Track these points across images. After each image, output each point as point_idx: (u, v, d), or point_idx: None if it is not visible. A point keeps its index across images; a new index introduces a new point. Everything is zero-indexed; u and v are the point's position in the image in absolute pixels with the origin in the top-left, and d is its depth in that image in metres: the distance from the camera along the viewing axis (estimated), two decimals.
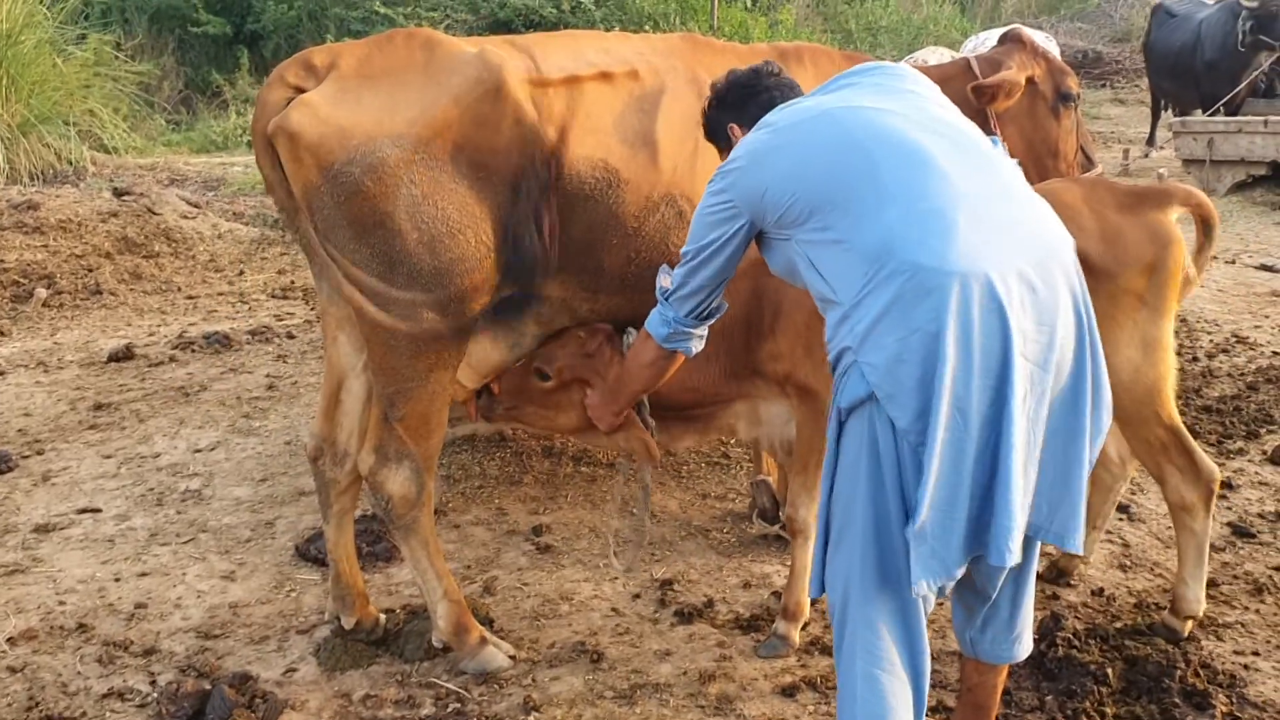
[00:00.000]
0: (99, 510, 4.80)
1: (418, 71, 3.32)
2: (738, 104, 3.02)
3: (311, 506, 4.74)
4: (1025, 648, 2.76)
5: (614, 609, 3.89)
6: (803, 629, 3.70)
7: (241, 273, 9.25)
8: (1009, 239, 2.36)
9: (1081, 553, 2.82)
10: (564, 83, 3.41)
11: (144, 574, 4.23)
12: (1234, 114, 12.28)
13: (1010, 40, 4.44)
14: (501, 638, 3.65)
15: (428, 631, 3.61)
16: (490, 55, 3.30)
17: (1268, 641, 3.60)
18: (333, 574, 3.67)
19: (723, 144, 3.09)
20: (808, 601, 3.63)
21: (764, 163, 2.59)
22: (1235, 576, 4.04)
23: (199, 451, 5.45)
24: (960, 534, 2.33)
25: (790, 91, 2.98)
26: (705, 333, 2.97)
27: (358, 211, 3.16)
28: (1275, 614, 3.77)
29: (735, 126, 2.99)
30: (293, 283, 8.94)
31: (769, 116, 2.72)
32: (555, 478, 5.03)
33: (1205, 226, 3.56)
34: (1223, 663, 3.45)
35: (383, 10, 18.80)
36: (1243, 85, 12.31)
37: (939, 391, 2.25)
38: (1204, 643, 3.57)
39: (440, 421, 3.45)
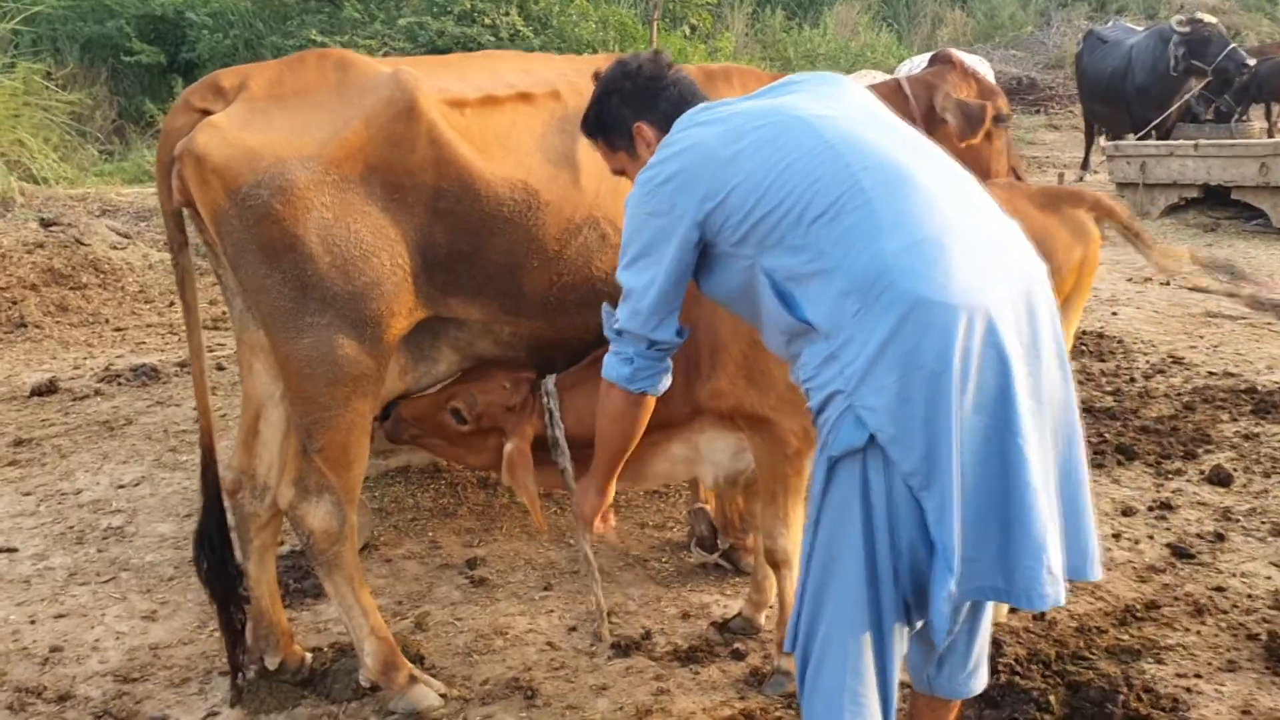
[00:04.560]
0: (15, 550, 4.61)
1: (329, 92, 3.22)
2: (643, 99, 2.71)
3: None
4: (981, 682, 2.66)
5: (549, 643, 3.77)
6: (740, 660, 3.61)
7: (172, 304, 9.03)
8: (998, 267, 2.26)
9: (1101, 578, 2.67)
10: (481, 103, 3.33)
11: (61, 615, 4.05)
12: (1165, 138, 12.49)
13: (940, 62, 4.43)
14: (433, 675, 3.52)
15: (355, 670, 3.47)
16: (403, 75, 3.21)
17: (1209, 664, 3.56)
18: (255, 612, 3.52)
19: (618, 143, 2.77)
20: None
21: (721, 161, 2.38)
22: (1176, 598, 4.00)
23: (122, 487, 5.26)
24: (985, 578, 2.24)
25: (692, 91, 2.76)
26: (670, 365, 2.69)
27: (267, 235, 3.05)
28: (1216, 635, 3.73)
29: (644, 125, 2.69)
30: (224, 313, 8.71)
31: (705, 112, 2.54)
32: (490, 509, 4.91)
33: (1124, 229, 3.55)
34: (1165, 686, 3.40)
35: (319, 39, 18.65)
36: (1173, 110, 12.52)
37: (948, 430, 2.15)
38: (1145, 666, 3.52)
39: (361, 452, 3.33)
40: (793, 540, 3.45)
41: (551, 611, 3.99)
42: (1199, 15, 12.24)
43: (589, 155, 3.39)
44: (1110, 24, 15.60)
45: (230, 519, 3.50)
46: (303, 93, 3.21)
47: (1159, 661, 3.57)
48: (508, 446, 3.40)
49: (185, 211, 3.26)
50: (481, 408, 3.43)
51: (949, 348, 2.15)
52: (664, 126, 2.63)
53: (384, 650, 3.38)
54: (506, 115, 3.36)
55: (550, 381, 3.47)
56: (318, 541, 3.31)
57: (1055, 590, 2.25)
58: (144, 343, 8.04)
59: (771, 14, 25.84)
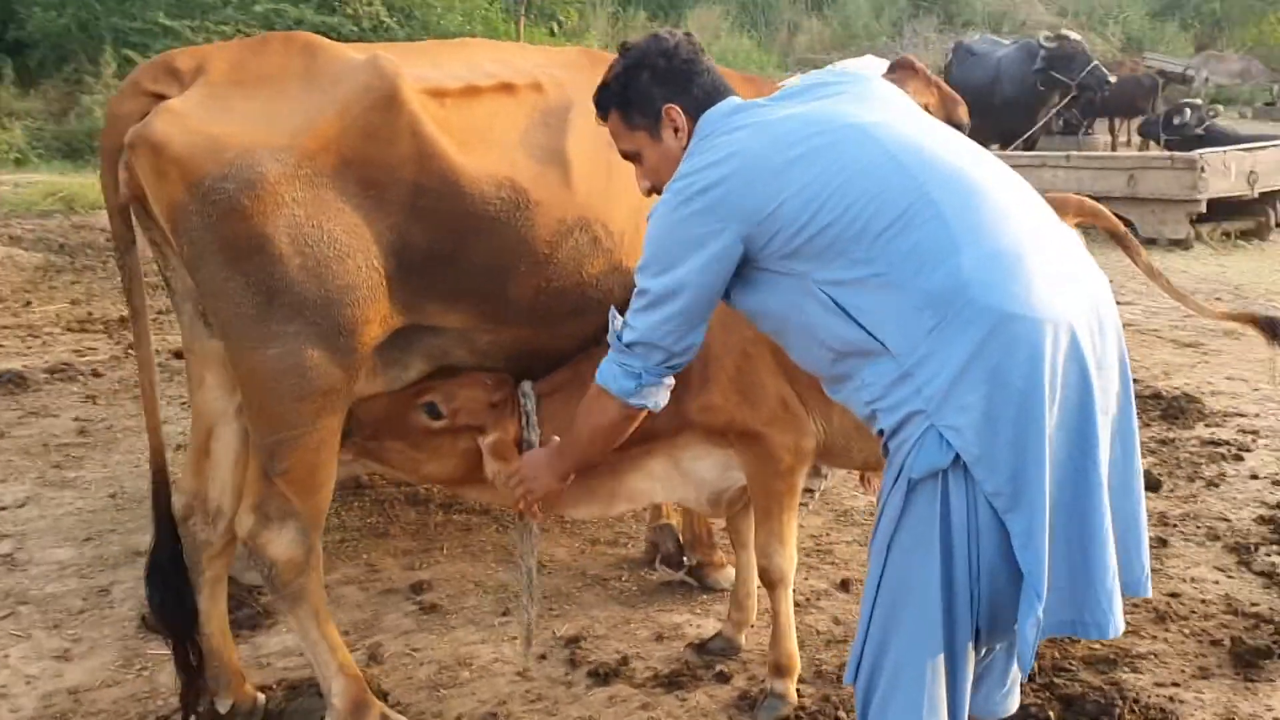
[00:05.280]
0: None
1: (298, 78, 2.93)
2: (678, 79, 2.48)
3: None
4: (1015, 702, 2.58)
5: (519, 673, 3.52)
6: (726, 683, 3.44)
7: (28, 303, 8.37)
8: (1070, 278, 2.18)
9: (1151, 595, 2.64)
10: (462, 93, 3.08)
11: None
12: (1030, 150, 12.89)
13: (903, 68, 4.35)
14: (400, 713, 3.22)
15: (317, 710, 3.16)
16: (383, 62, 2.94)
17: (1183, 671, 3.55)
18: (206, 650, 3.17)
19: (639, 121, 2.52)
20: (796, 651, 3.35)
21: (771, 172, 2.21)
22: (1136, 605, 3.99)
23: (5, 509, 4.76)
24: (1060, 610, 2.16)
25: (723, 82, 2.55)
26: (673, 381, 2.52)
27: (232, 234, 2.75)
28: (1183, 642, 3.73)
29: (675, 108, 2.47)
30: (90, 314, 8.13)
31: (742, 114, 2.37)
32: (426, 528, 4.61)
33: (1111, 232, 3.52)
34: (1149, 696, 3.37)
35: (166, 22, 17.72)
36: (1039, 122, 12.94)
37: (1039, 448, 2.05)
38: (1123, 676, 3.49)
39: (329, 474, 3.04)
40: (788, 558, 3.31)
41: (515, 638, 3.73)
42: (1065, 32, 12.68)
43: (578, 151, 3.18)
44: (979, 37, 16.09)
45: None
46: (268, 78, 2.91)
47: (1135, 670, 3.55)
48: (489, 439, 3.14)
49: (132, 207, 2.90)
50: (460, 402, 3.16)
51: (1038, 363, 2.07)
52: (694, 113, 2.46)
53: (353, 689, 3.08)
54: (488, 107, 3.11)
55: (528, 385, 3.24)
56: (281, 573, 3.00)
57: (1120, 618, 2.22)
58: (2, 345, 7.37)
59: (634, 13, 25.89)
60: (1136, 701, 3.32)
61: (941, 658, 2.17)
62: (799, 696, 3.32)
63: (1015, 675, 2.58)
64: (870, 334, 2.19)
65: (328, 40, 3.09)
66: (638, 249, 3.24)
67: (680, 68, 2.49)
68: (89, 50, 18.01)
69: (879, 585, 2.23)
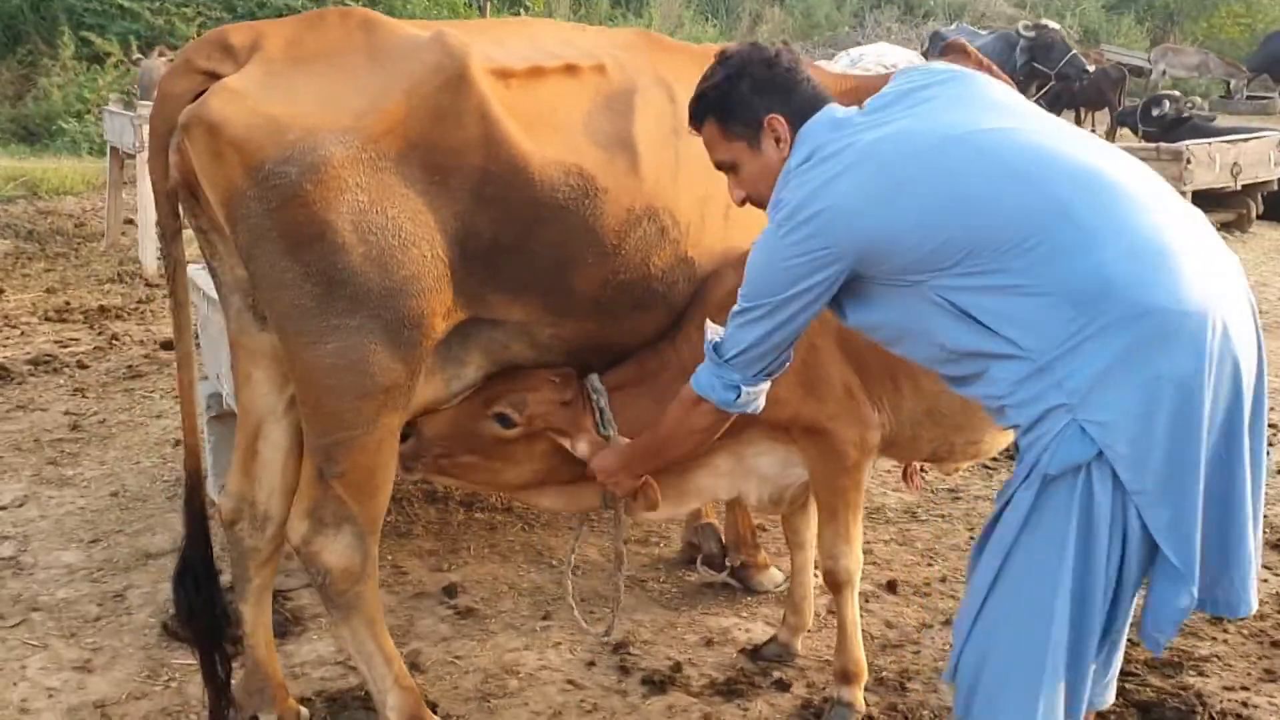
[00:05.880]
0: None
1: (360, 55, 2.76)
2: (780, 89, 2.42)
3: (167, 572, 3.94)
4: (1113, 692, 2.50)
5: (570, 681, 3.38)
6: (785, 691, 3.32)
7: (1, 291, 8.04)
8: (1213, 267, 2.12)
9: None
10: (528, 74, 2.92)
11: None
12: None
13: (955, 52, 4.23)
14: None
15: None
16: (451, 39, 2.78)
17: (1249, 674, 3.49)
18: (250, 663, 3.00)
19: (739, 131, 2.44)
20: (863, 657, 3.25)
21: (880, 198, 2.16)
22: None
23: (4, 508, 4.52)
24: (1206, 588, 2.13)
25: (821, 90, 2.48)
26: (768, 385, 2.51)
27: (293, 220, 2.58)
28: (1243, 644, 3.68)
29: (778, 119, 2.40)
30: (68, 303, 7.83)
31: (840, 134, 2.28)
32: (449, 527, 4.44)
33: None
34: (1222, 701, 3.31)
35: (124, 3, 17.29)
36: None
37: (1196, 442, 2.00)
38: (1190, 680, 3.42)
39: (389, 476, 2.87)
40: (855, 559, 3.21)
41: (559, 644, 3.59)
42: (1044, 21, 12.68)
43: (645, 138, 3.04)
44: (954, 26, 16.07)
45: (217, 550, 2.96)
46: (328, 55, 2.73)
47: (1202, 674, 3.48)
48: (580, 445, 2.99)
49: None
50: (533, 407, 3.00)
51: (1200, 356, 2.02)
52: (795, 124, 2.39)
53: (409, 703, 2.92)
54: (553, 89, 2.95)
55: (596, 379, 3.09)
56: (336, 581, 2.83)
57: (1255, 598, 2.23)
58: None
59: (597, 1, 25.72)
60: (1212, 707, 3.25)
61: (1064, 657, 2.12)
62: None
63: (1117, 664, 2.50)
64: (998, 334, 2.13)
65: (385, 16, 2.92)
66: (704, 241, 3.16)
67: (782, 76, 2.43)
68: (43, 31, 17.53)
69: (994, 582, 2.17)
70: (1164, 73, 23.47)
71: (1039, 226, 2.08)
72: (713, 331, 2.47)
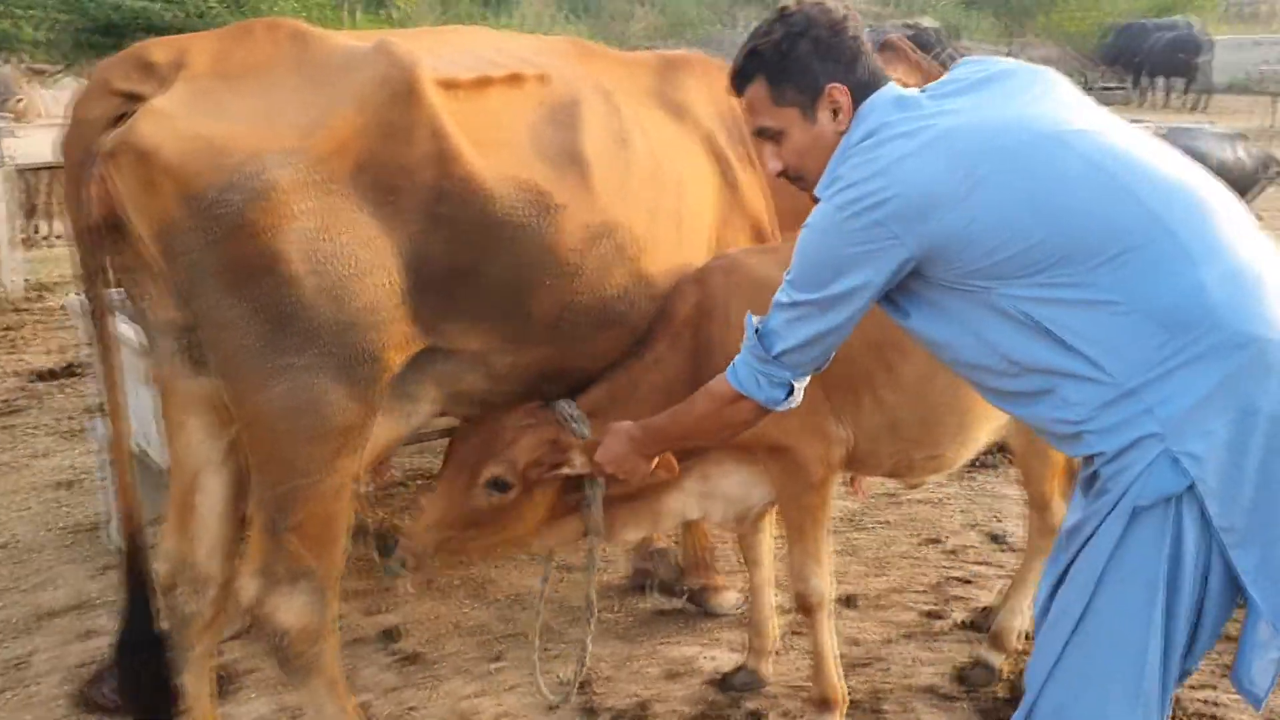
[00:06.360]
0: None
1: (295, 70, 2.53)
2: (843, 57, 2.18)
3: (72, 632, 3.68)
4: None
5: None
6: None
7: None
8: None
9: None
10: (475, 85, 2.73)
11: None
12: None
13: (889, 49, 4.17)
14: None
15: None
16: (397, 49, 2.57)
17: (1212, 673, 3.49)
18: None
19: (793, 97, 2.21)
20: (840, 681, 3.13)
21: (952, 190, 1.97)
22: None
23: None
24: None
25: (880, 67, 2.26)
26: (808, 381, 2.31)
27: (238, 253, 2.36)
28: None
29: (840, 89, 2.18)
30: None
31: (908, 117, 2.08)
32: (372, 563, 4.18)
33: None
34: (1189, 702, 3.30)
35: None
36: None
37: None
38: None
39: (345, 524, 2.66)
40: (825, 579, 3.11)
41: (516, 687, 3.40)
42: (919, 20, 12.87)
43: (594, 150, 2.87)
44: None
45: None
46: (259, 71, 2.50)
47: None
48: (577, 459, 2.82)
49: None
50: (523, 460, 2.81)
51: None
52: (856, 98, 2.18)
53: None
54: (499, 101, 2.77)
55: (570, 406, 2.91)
56: (294, 642, 2.60)
57: None
58: None
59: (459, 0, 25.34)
60: (1185, 708, 3.25)
61: (1155, 698, 1.98)
62: None
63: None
64: (1077, 352, 1.97)
65: (314, 27, 2.69)
66: (660, 255, 3.01)
67: (849, 43, 2.20)
68: None
69: (1080, 620, 2.01)
70: None
71: (1134, 239, 1.94)
72: (757, 330, 2.24)
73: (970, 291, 2.04)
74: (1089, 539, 2.02)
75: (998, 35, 29.26)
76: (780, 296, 2.18)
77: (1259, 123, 18.46)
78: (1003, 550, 4.33)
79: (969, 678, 3.44)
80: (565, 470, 2.82)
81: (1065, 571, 2.08)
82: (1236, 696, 3.30)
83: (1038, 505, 3.46)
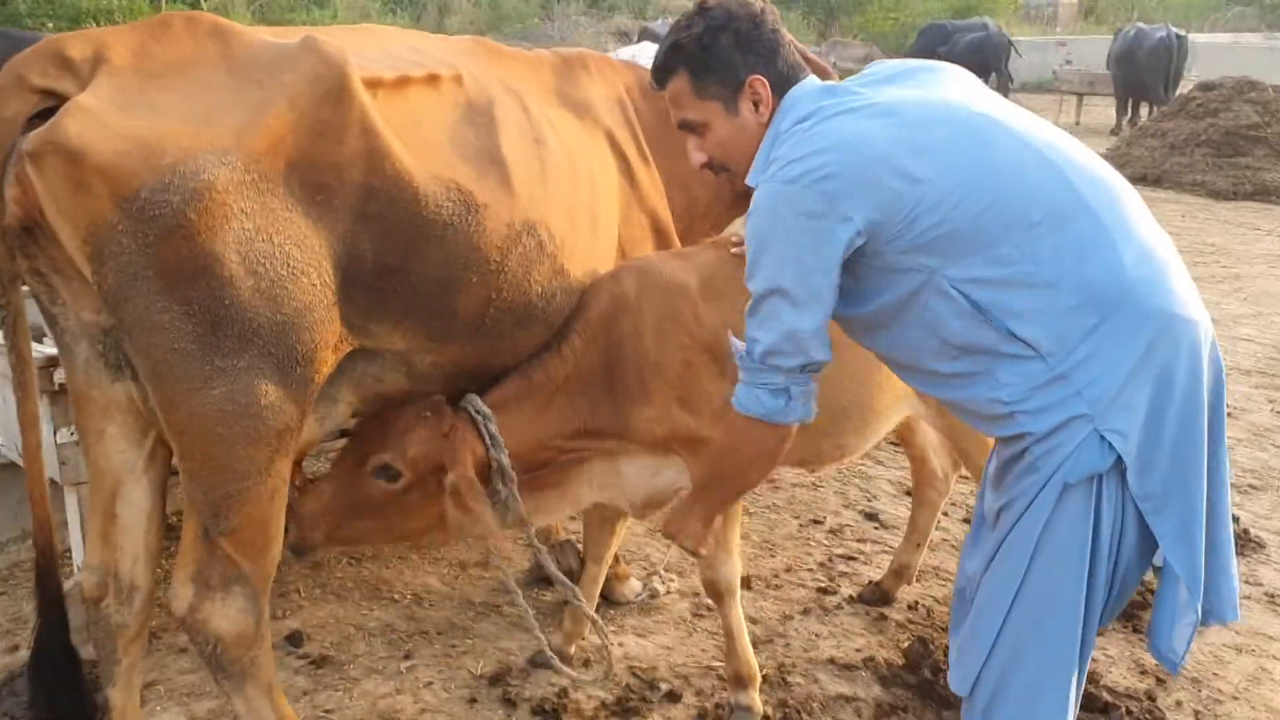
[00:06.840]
0: None
1: (221, 66, 2.48)
2: (763, 49, 2.26)
3: None
4: None
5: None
6: (677, 702, 3.30)
7: None
8: (1188, 278, 2.17)
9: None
10: (396, 84, 2.73)
11: None
12: None
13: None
14: None
15: None
16: (327, 46, 2.54)
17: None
18: None
19: (714, 90, 2.28)
20: (754, 660, 3.24)
21: (901, 160, 2.06)
22: None
23: None
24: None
25: (799, 59, 2.35)
26: (816, 387, 2.28)
27: (174, 255, 2.30)
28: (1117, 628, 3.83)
29: (763, 80, 2.25)
30: None
31: (846, 97, 2.17)
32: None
33: None
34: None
35: None
36: None
37: (1199, 450, 2.07)
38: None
39: (280, 527, 2.62)
40: (734, 568, 3.24)
41: (431, 683, 3.40)
42: None
43: (511, 149, 2.91)
44: (659, 23, 16.43)
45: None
46: (183, 67, 2.44)
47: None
48: (449, 478, 2.81)
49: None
50: (414, 451, 2.82)
51: (1198, 365, 2.09)
52: (778, 89, 2.27)
53: None
54: (420, 100, 2.77)
55: (479, 401, 2.93)
56: (228, 649, 2.56)
57: (1238, 604, 2.25)
58: None
59: None
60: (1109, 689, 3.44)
61: (1075, 667, 2.16)
62: None
63: None
64: (1014, 334, 2.09)
65: (234, 23, 2.64)
66: (577, 253, 3.07)
67: (768, 36, 2.28)
68: None
69: (1019, 589, 2.15)
70: (834, 64, 25.02)
71: (1067, 211, 2.06)
72: (738, 344, 2.28)
73: (912, 272, 2.12)
74: (1021, 516, 2.15)
75: (808, 33, 30.20)
76: (750, 302, 2.21)
77: (1066, 119, 19.61)
78: (880, 528, 4.56)
79: (865, 597, 3.92)
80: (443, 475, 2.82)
81: (998, 549, 2.21)
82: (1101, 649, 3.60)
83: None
